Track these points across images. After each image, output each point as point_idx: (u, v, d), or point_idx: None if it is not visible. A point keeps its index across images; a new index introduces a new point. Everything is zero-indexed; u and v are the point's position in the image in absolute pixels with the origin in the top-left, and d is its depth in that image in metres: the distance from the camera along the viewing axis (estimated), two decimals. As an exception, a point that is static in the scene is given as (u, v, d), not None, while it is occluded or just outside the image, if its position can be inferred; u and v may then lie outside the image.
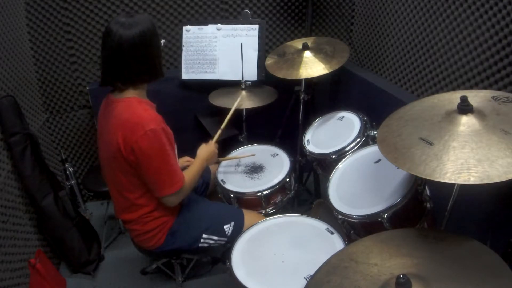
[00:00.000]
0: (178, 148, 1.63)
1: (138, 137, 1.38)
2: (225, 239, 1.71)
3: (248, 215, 1.76)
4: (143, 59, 1.43)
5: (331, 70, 2.02)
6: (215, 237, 1.70)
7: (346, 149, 1.81)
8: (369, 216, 1.40)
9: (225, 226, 1.71)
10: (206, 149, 1.80)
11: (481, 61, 1.57)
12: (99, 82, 1.52)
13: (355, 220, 1.45)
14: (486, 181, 0.94)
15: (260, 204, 1.85)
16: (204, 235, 1.69)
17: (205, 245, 1.71)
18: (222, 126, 1.94)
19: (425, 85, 1.96)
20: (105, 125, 1.51)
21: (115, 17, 1.64)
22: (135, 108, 1.44)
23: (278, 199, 1.90)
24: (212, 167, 2.07)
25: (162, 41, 1.52)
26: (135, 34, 1.37)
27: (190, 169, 1.66)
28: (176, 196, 1.54)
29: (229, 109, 2.03)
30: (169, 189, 1.49)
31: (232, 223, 1.71)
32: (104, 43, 1.42)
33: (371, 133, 1.86)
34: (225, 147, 2.20)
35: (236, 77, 2.35)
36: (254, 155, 2.07)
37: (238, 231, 1.64)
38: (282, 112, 2.53)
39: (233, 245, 1.49)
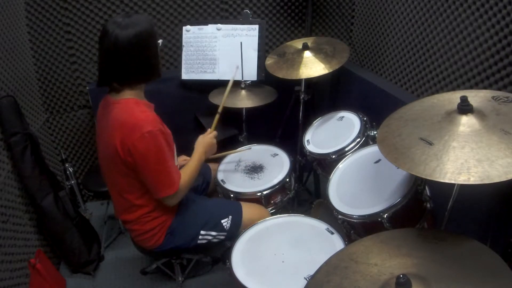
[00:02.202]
0: (178, 148, 1.63)
1: (135, 139, 1.38)
2: (224, 233, 1.71)
3: (247, 208, 1.75)
4: (139, 60, 1.42)
5: (331, 70, 2.02)
6: (213, 233, 1.70)
7: (346, 149, 1.81)
8: (369, 216, 1.41)
9: (222, 221, 1.70)
10: (203, 141, 1.75)
11: (481, 61, 1.57)
12: (96, 85, 1.51)
13: (355, 220, 1.45)
14: (486, 181, 0.94)
15: (260, 204, 1.85)
16: (202, 231, 1.69)
17: (204, 241, 1.70)
18: (219, 110, 1.89)
19: (425, 85, 1.96)
20: (103, 126, 1.50)
21: (112, 17, 1.64)
22: (132, 109, 1.43)
23: (278, 199, 1.90)
24: (212, 167, 2.07)
25: (160, 41, 1.52)
26: (131, 35, 1.37)
27: (187, 166, 1.63)
28: (174, 196, 1.53)
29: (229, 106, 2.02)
30: (166, 190, 1.49)
31: (230, 217, 1.71)
32: (101, 44, 1.42)
33: (371, 133, 1.86)
34: (225, 147, 2.20)
35: (236, 77, 2.34)
36: (250, 148, 2.06)
37: (237, 224, 1.64)
38: (282, 112, 2.53)
39: (233, 245, 1.49)
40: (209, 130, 1.84)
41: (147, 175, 1.46)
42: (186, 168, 1.63)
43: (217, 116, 1.90)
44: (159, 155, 1.44)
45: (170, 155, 1.49)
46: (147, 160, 1.42)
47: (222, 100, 1.97)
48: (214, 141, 1.79)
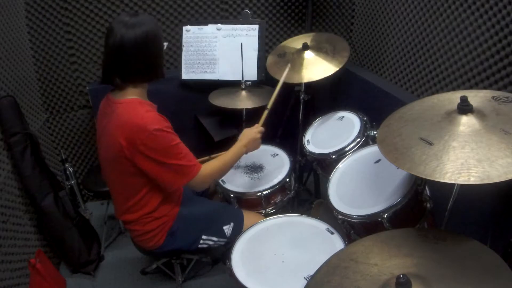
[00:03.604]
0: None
1: (144, 138, 1.38)
2: (225, 240, 1.71)
3: (248, 216, 1.75)
4: (144, 59, 1.42)
5: (332, 72, 2.01)
6: (214, 238, 1.70)
7: (346, 149, 1.81)
8: (369, 216, 1.40)
9: (224, 227, 1.70)
10: (248, 134, 1.73)
11: (481, 61, 1.57)
12: (99, 82, 1.51)
13: (355, 220, 1.45)
14: (486, 181, 0.94)
15: (260, 204, 1.85)
16: (203, 236, 1.69)
17: (205, 245, 1.71)
18: (269, 106, 1.84)
19: (425, 85, 1.96)
20: (105, 126, 1.50)
21: (118, 15, 1.63)
22: (137, 109, 1.43)
23: (278, 199, 1.90)
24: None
25: (165, 44, 1.52)
26: (138, 35, 1.37)
27: (221, 156, 1.65)
28: (198, 179, 1.51)
29: (230, 108, 1.99)
30: (182, 180, 1.49)
31: (232, 224, 1.71)
32: (106, 41, 1.41)
33: (371, 133, 1.86)
34: (225, 147, 2.19)
35: (236, 77, 2.35)
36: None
37: (238, 232, 1.64)
38: (282, 112, 2.53)
39: (233, 245, 1.49)
40: (256, 125, 1.80)
41: (160, 172, 1.45)
42: (219, 157, 1.63)
43: (265, 112, 1.83)
44: (170, 150, 1.44)
45: (181, 144, 1.48)
46: (159, 157, 1.42)
47: (273, 96, 1.87)
48: (259, 136, 1.75)
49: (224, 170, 1.66)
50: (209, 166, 1.57)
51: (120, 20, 1.39)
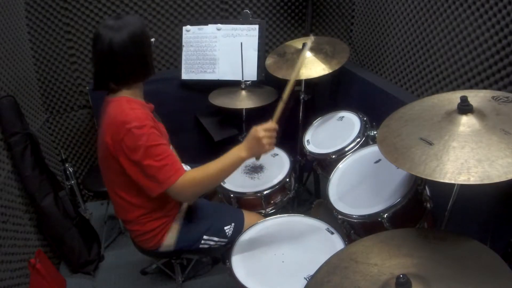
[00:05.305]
0: (177, 148, 1.62)
1: (124, 135, 1.37)
2: (226, 240, 1.71)
3: (248, 216, 1.75)
4: (135, 59, 1.42)
5: (331, 71, 2.02)
6: (215, 238, 1.70)
7: (346, 149, 1.81)
8: (369, 216, 1.41)
9: (225, 227, 1.70)
10: (249, 134, 1.41)
11: (481, 61, 1.57)
12: (92, 88, 1.51)
13: (355, 220, 1.45)
14: (486, 181, 0.94)
15: (260, 204, 1.85)
16: (204, 236, 1.68)
17: (206, 246, 1.70)
18: (285, 97, 1.46)
19: (425, 85, 1.96)
20: (100, 126, 1.51)
21: (102, 21, 1.62)
22: (122, 107, 1.42)
23: (278, 199, 1.90)
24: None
25: (153, 39, 1.52)
26: (125, 36, 1.37)
27: (212, 162, 1.40)
28: (178, 188, 1.39)
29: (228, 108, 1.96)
30: (158, 188, 1.39)
31: (233, 224, 1.71)
32: (94, 48, 1.41)
33: (371, 133, 1.87)
34: (225, 147, 2.19)
35: (236, 77, 2.35)
36: None
37: (238, 232, 1.64)
38: (282, 112, 2.52)
39: (233, 245, 1.49)
40: (270, 121, 1.44)
41: (137, 173, 1.40)
42: (209, 163, 1.41)
43: (280, 105, 1.45)
44: (148, 150, 1.37)
45: (162, 148, 1.40)
46: (135, 156, 1.37)
47: (290, 84, 1.50)
48: (262, 135, 1.37)
49: (211, 180, 1.43)
50: (192, 173, 1.41)
51: (106, 25, 1.39)
